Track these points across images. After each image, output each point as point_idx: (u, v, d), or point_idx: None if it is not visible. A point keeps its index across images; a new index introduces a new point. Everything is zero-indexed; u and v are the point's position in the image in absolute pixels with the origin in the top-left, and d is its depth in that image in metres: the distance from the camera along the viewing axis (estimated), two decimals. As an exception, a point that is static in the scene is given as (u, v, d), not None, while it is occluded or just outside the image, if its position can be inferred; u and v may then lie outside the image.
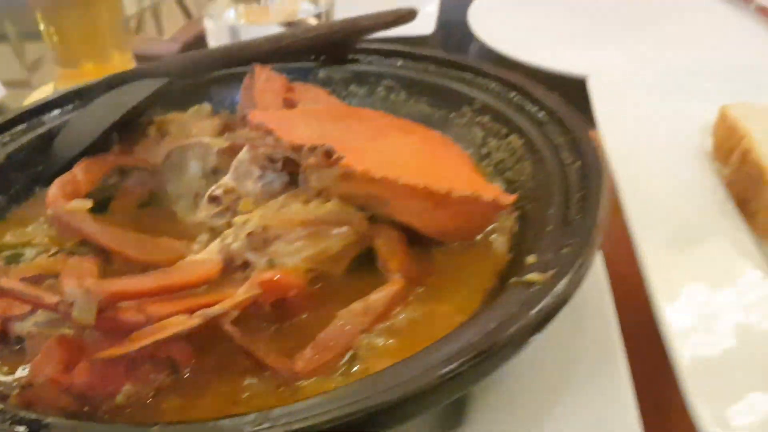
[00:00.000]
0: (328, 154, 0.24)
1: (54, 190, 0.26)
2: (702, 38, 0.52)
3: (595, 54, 0.50)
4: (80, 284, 0.20)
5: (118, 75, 0.34)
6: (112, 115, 0.30)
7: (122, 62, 0.49)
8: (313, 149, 0.25)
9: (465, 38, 0.54)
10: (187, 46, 0.57)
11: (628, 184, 0.32)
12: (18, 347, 0.23)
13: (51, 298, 0.20)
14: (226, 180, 0.28)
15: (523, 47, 0.49)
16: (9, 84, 0.53)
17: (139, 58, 0.52)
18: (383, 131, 0.28)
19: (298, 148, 0.25)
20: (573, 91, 0.38)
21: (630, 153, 0.35)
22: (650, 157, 0.35)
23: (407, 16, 0.40)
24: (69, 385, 0.20)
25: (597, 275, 0.28)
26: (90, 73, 0.48)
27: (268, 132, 0.26)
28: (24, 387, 0.20)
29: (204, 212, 0.27)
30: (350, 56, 0.38)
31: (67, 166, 0.30)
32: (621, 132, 0.37)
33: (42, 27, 0.48)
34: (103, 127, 0.30)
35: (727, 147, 0.35)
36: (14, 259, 0.27)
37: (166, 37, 0.58)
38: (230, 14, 0.43)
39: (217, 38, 0.43)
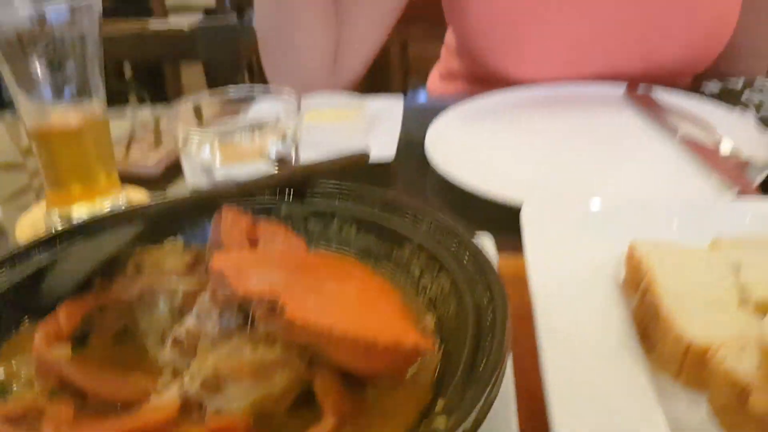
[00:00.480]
0: (273, 307, 0.29)
1: (38, 338, 0.31)
2: (630, 167, 0.58)
3: (539, 181, 0.56)
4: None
5: (101, 219, 0.39)
6: (94, 259, 0.35)
7: (109, 184, 0.54)
8: (260, 301, 0.29)
9: (424, 162, 0.60)
10: (170, 168, 0.62)
11: (544, 314, 0.37)
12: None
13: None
14: (189, 322, 0.32)
15: (472, 173, 0.54)
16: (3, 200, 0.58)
17: (125, 177, 0.58)
18: (325, 279, 0.33)
19: (248, 299, 0.30)
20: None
21: (551, 281, 0.40)
22: (569, 286, 0.40)
23: (361, 159, 0.46)
24: None
25: (506, 396, 0.32)
26: (78, 194, 0.53)
27: (225, 281, 0.31)
28: None
29: (168, 353, 0.31)
30: (309, 195, 0.43)
31: (54, 304, 0.34)
32: (545, 260, 0.41)
33: (34, 151, 0.53)
34: (85, 272, 0.35)
35: (634, 281, 0.39)
36: (2, 392, 0.31)
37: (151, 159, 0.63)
38: (206, 151, 0.48)
39: (192, 174, 0.48)
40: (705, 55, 0.78)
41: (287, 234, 0.40)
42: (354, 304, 0.32)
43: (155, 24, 0.89)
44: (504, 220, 0.47)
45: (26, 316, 0.35)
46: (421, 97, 0.79)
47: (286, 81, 0.76)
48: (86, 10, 0.49)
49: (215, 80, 0.93)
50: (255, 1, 0.75)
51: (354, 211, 0.42)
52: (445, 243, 0.37)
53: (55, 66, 0.49)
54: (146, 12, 2.73)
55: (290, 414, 0.29)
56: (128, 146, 0.65)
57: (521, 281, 0.40)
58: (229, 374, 0.28)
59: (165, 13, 2.40)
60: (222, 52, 0.90)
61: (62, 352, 0.30)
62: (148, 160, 0.63)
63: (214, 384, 0.28)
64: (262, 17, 0.76)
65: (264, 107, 0.55)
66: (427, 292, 0.37)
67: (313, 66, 0.76)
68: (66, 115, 0.51)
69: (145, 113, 0.76)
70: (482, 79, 0.85)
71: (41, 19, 0.47)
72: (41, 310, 0.34)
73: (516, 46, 0.76)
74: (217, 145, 0.48)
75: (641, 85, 0.70)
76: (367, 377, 0.30)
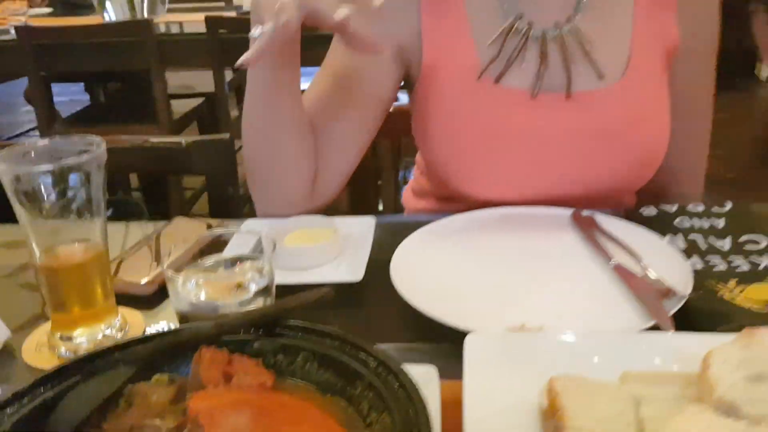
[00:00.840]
0: (237, 452, 0.36)
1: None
2: (568, 292, 0.65)
3: (486, 306, 0.63)
4: None
5: (101, 354, 0.46)
6: (93, 398, 0.42)
7: (107, 308, 0.62)
8: (228, 447, 0.36)
9: (390, 284, 0.67)
10: (162, 287, 0.70)
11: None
12: None
13: None
14: (170, 461, 0.39)
15: (430, 297, 0.62)
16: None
17: (119, 295, 0.65)
18: (282, 422, 0.40)
19: (219, 443, 0.37)
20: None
21: (482, 410, 0.46)
22: (498, 416, 0.46)
23: (327, 295, 0.53)
24: None
25: None
26: (79, 318, 0.61)
27: (201, 428, 0.38)
28: None
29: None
30: (280, 331, 0.50)
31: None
32: (480, 389, 0.48)
33: (40, 279, 0.60)
34: (86, 410, 0.41)
35: (552, 413, 0.46)
36: None
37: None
38: (191, 287, 0.55)
39: (177, 302, 0.55)
40: (640, 178, 0.88)
41: (258, 370, 0.47)
42: (306, 445, 0.38)
43: (154, 139, 0.99)
44: (458, 343, 0.54)
45: (33, 448, 0.42)
46: (392, 217, 0.87)
47: (269, 206, 0.85)
48: (95, 160, 0.57)
49: (215, 188, 1.02)
50: (242, 131, 0.84)
51: (316, 348, 0.49)
52: (390, 382, 0.44)
53: (63, 199, 0.57)
54: (148, 92, 2.87)
55: None
56: (119, 265, 0.73)
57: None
58: None
59: (167, 98, 2.52)
60: (218, 165, 0.99)
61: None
62: (141, 278, 0.70)
63: None
64: (246, 147, 0.85)
65: (243, 241, 0.63)
66: (373, 427, 0.43)
67: (293, 193, 0.84)
68: (71, 249, 0.59)
69: (146, 227, 0.84)
70: (447, 198, 0.94)
71: (58, 173, 0.55)
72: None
73: (471, 173, 0.86)
74: (201, 283, 0.56)
75: (584, 210, 0.78)
76: None
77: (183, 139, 0.99)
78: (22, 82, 2.72)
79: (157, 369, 0.48)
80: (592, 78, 0.85)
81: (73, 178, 0.56)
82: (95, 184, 0.57)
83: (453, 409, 0.47)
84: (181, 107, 2.79)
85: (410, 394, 0.42)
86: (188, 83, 3.20)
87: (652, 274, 0.64)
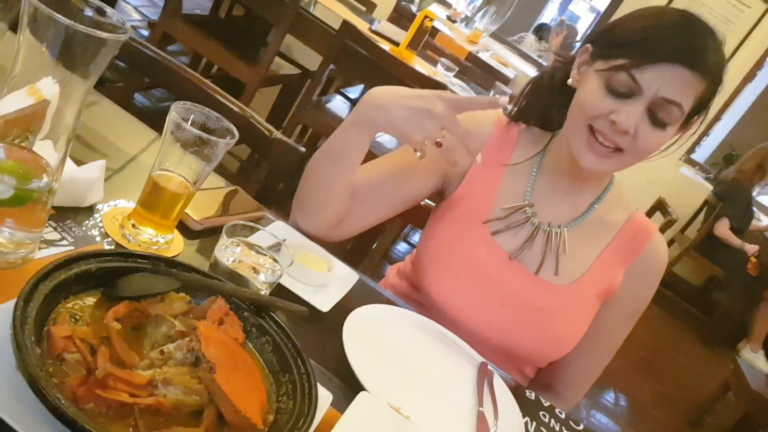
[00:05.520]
0: (211, 368, 0.61)
1: (110, 313, 0.62)
2: (438, 409, 0.90)
3: (390, 386, 0.88)
4: (103, 363, 0.55)
5: (162, 262, 0.71)
6: (150, 288, 0.67)
7: (170, 225, 0.87)
8: (208, 362, 0.61)
9: (341, 326, 0.92)
10: (206, 230, 0.95)
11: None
12: (62, 363, 0.57)
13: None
14: (171, 346, 0.64)
15: (356, 352, 0.87)
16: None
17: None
18: (241, 368, 0.65)
19: (203, 356, 0.62)
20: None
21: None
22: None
23: (302, 313, 0.78)
24: (75, 393, 0.54)
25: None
26: (151, 221, 0.85)
27: (199, 342, 0.63)
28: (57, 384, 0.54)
29: (154, 354, 0.63)
30: (263, 315, 0.76)
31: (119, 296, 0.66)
32: (348, 423, 0.73)
33: (147, 186, 0.85)
34: (142, 291, 0.67)
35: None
36: (76, 320, 0.62)
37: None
38: (230, 249, 0.81)
39: (217, 254, 0.81)
40: (545, 359, 1.15)
41: (238, 329, 0.72)
42: (244, 388, 0.63)
43: (254, 119, 1.24)
44: (356, 391, 0.79)
45: (102, 290, 0.67)
46: (371, 282, 1.12)
47: (302, 220, 1.10)
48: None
49: (273, 179, 1.28)
50: (313, 160, 1.09)
51: (276, 339, 0.74)
52: (304, 384, 0.69)
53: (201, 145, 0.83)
54: (262, 37, 3.14)
55: (186, 416, 0.60)
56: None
57: None
58: (175, 382, 0.60)
59: (275, 53, 2.79)
60: (285, 163, 1.25)
61: (116, 325, 0.61)
62: (197, 216, 0.95)
63: (166, 382, 0.60)
64: (314, 163, 1.09)
65: (267, 237, 0.88)
66: (281, 404, 0.68)
67: (324, 220, 1.09)
68: (175, 179, 0.84)
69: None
70: (417, 287, 1.19)
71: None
72: (111, 294, 0.66)
73: (440, 283, 1.13)
74: (237, 252, 0.81)
75: (489, 365, 1.03)
76: (229, 423, 0.61)
77: (275, 133, 1.25)
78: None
79: (186, 290, 0.73)
80: (553, 272, 1.12)
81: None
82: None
83: (325, 428, 0.71)
84: (276, 67, 3.06)
85: (312, 397, 0.67)
86: (294, 48, 3.47)
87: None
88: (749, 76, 5.19)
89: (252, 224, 0.87)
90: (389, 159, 1.16)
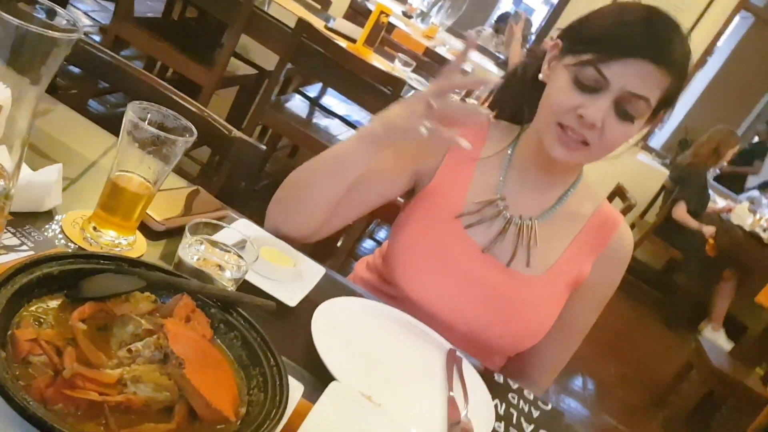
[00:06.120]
0: (180, 363, 0.61)
1: (75, 313, 0.62)
2: (409, 396, 0.91)
3: (359, 376, 0.89)
4: (70, 363, 0.55)
5: (132, 262, 0.71)
6: (114, 288, 0.67)
7: (131, 226, 0.86)
8: (176, 358, 0.61)
9: (309, 319, 0.92)
10: (169, 231, 0.94)
11: None
12: (28, 366, 0.57)
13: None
14: (139, 344, 0.63)
15: (326, 344, 0.87)
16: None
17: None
18: (210, 363, 0.65)
19: (172, 352, 0.62)
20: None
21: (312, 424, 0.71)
22: (321, 436, 0.72)
23: (269, 306, 0.79)
24: (43, 394, 0.54)
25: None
26: (112, 223, 0.85)
27: (167, 338, 0.63)
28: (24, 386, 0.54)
29: (122, 353, 0.62)
30: (230, 310, 0.76)
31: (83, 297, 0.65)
32: (319, 414, 0.73)
33: (106, 187, 0.85)
34: (106, 292, 0.66)
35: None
36: (40, 323, 0.62)
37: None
38: (198, 250, 0.81)
39: (181, 253, 0.81)
40: (513, 348, 1.17)
41: (205, 325, 0.72)
42: (214, 382, 0.63)
43: (212, 118, 1.24)
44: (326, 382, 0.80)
45: (65, 293, 0.66)
46: (338, 275, 1.13)
47: (281, 225, 1.10)
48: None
49: (234, 179, 1.28)
50: (305, 167, 1.09)
51: (245, 334, 0.74)
52: (274, 376, 0.69)
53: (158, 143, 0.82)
54: (216, 38, 3.11)
55: (157, 412, 0.60)
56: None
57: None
58: (144, 379, 0.60)
59: (230, 55, 2.77)
60: (246, 163, 1.25)
61: (81, 326, 0.61)
62: (159, 217, 0.95)
63: (135, 379, 0.60)
64: (306, 173, 1.09)
65: (231, 235, 0.88)
66: (252, 397, 0.68)
67: (304, 227, 1.10)
68: (134, 179, 0.84)
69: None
70: (388, 281, 1.20)
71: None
72: (75, 295, 0.65)
73: (414, 276, 1.14)
74: (201, 250, 0.81)
75: (458, 351, 1.05)
76: (201, 417, 0.61)
77: (234, 131, 1.24)
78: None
79: (151, 289, 0.73)
80: (524, 264, 1.14)
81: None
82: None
83: (297, 419, 0.72)
84: (232, 68, 3.04)
85: (283, 389, 0.68)
86: (250, 48, 3.44)
87: (467, 416, 0.90)
88: (700, 62, 5.34)
89: (215, 222, 0.87)
90: None
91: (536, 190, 1.18)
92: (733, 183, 6.35)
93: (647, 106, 1.03)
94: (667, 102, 1.06)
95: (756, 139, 7.14)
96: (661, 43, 1.00)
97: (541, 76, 1.12)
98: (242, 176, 1.27)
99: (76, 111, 1.15)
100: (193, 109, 1.24)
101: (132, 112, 0.79)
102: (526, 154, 1.17)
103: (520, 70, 1.19)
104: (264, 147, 1.26)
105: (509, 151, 1.19)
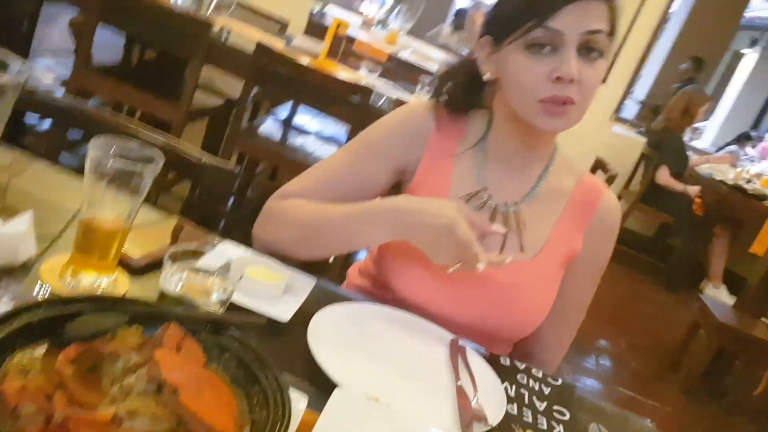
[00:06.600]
0: (175, 391, 0.59)
1: (61, 357, 0.60)
2: (418, 392, 0.90)
3: (362, 378, 0.88)
4: (61, 408, 0.53)
5: (111, 300, 0.69)
6: (98, 327, 0.65)
7: (110, 266, 0.85)
8: (170, 386, 0.60)
9: (305, 332, 0.91)
10: (149, 266, 0.93)
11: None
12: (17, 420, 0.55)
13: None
14: (131, 379, 0.62)
15: (325, 353, 0.86)
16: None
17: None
18: (205, 388, 0.63)
19: (165, 381, 0.60)
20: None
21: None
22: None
23: (260, 323, 0.77)
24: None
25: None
26: (90, 264, 0.83)
27: (159, 369, 0.61)
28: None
29: (114, 390, 0.61)
30: (222, 333, 0.74)
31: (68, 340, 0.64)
32: (329, 420, 0.72)
33: (77, 227, 0.83)
34: (91, 332, 0.65)
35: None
36: (25, 372, 0.60)
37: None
38: (177, 276, 0.79)
39: (164, 284, 0.79)
40: (516, 334, 1.15)
41: (197, 351, 0.70)
42: (212, 407, 0.62)
43: (181, 146, 1.23)
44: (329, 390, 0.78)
45: (48, 340, 0.65)
46: (329, 284, 1.12)
47: (270, 246, 1.09)
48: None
49: (209, 204, 1.26)
50: (301, 213, 1.10)
51: (240, 353, 0.73)
52: (275, 393, 0.68)
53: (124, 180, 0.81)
54: (178, 75, 3.10)
55: (159, 444, 0.58)
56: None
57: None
58: (140, 412, 0.58)
59: (194, 90, 2.76)
60: (220, 187, 1.24)
61: (69, 369, 0.59)
62: (136, 254, 0.93)
63: (131, 414, 0.58)
64: (312, 227, 1.09)
65: (216, 257, 0.87)
66: (255, 415, 0.67)
67: (302, 257, 1.11)
68: (107, 218, 0.82)
69: (152, 214, 1.07)
70: (382, 285, 1.19)
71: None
72: (60, 340, 0.64)
73: (407, 276, 1.13)
74: (184, 277, 0.80)
75: (461, 339, 1.04)
76: (202, 443, 0.60)
77: (204, 157, 1.23)
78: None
79: (137, 323, 0.71)
80: (517, 249, 1.13)
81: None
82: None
83: (305, 429, 0.70)
84: (200, 100, 3.03)
85: (285, 402, 0.66)
86: (215, 78, 3.43)
87: (478, 402, 0.89)
88: (657, 30, 5.38)
89: (194, 248, 0.86)
90: (340, 164, 1.17)
91: (516, 172, 1.17)
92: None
93: (606, 37, 1.03)
94: (613, 32, 1.06)
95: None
96: None
97: (486, 76, 1.12)
98: (219, 201, 1.25)
99: (50, 165, 1.13)
100: (161, 140, 1.23)
101: (93, 149, 0.78)
102: (498, 140, 1.17)
103: (456, 68, 1.20)
104: (236, 168, 1.25)
105: (483, 142, 1.18)
